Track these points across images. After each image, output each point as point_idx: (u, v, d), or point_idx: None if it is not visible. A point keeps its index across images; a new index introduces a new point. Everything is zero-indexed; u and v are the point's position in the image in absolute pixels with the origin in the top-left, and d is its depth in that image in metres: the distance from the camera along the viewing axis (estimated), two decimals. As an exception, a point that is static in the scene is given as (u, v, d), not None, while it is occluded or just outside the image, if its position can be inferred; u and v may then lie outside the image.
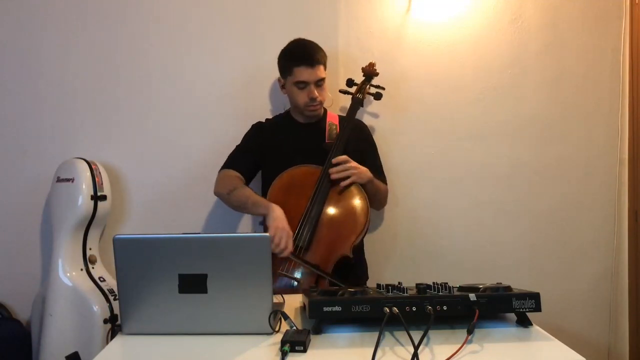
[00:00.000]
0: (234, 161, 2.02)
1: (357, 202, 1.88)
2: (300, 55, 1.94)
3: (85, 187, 2.11)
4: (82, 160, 2.16)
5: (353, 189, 1.89)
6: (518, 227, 2.33)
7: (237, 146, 2.06)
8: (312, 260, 1.80)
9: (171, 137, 2.30)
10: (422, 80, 2.28)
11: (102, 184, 2.16)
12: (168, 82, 2.29)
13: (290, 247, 1.74)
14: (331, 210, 1.86)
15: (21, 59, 2.29)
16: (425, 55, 2.29)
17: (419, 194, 2.30)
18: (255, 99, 2.28)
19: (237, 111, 2.28)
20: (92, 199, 2.12)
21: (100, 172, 2.17)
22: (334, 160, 1.87)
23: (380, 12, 2.28)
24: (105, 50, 2.28)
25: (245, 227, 2.30)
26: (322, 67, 1.95)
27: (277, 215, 1.77)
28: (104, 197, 2.15)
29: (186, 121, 2.29)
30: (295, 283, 1.77)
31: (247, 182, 2.00)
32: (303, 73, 1.92)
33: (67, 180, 2.13)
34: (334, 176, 1.86)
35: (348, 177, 1.86)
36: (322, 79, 1.95)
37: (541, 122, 2.32)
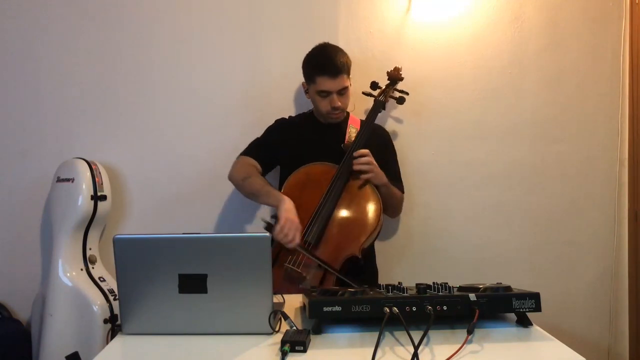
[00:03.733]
0: (253, 150, 2.03)
1: (370, 203, 1.88)
2: (323, 65, 1.91)
3: (85, 187, 2.11)
4: (82, 160, 2.16)
5: (368, 189, 1.89)
6: (518, 227, 2.33)
7: (259, 137, 2.07)
8: (320, 257, 1.80)
9: (171, 137, 2.30)
10: (422, 81, 2.28)
11: (102, 184, 2.16)
12: (168, 82, 2.29)
13: (298, 239, 1.75)
14: (343, 209, 1.87)
15: (21, 59, 2.29)
16: (425, 55, 2.29)
17: (418, 194, 2.30)
18: (256, 100, 2.28)
19: (237, 112, 2.29)
20: (92, 199, 2.12)
21: (100, 172, 2.17)
22: (356, 153, 1.87)
23: (380, 12, 2.28)
24: (105, 50, 2.28)
25: (245, 228, 2.30)
26: (344, 77, 1.93)
27: (288, 207, 1.78)
28: (104, 197, 2.15)
29: (186, 121, 2.29)
30: (301, 278, 1.77)
31: (263, 174, 2.01)
32: (325, 83, 1.91)
33: (67, 180, 2.13)
34: (356, 167, 1.86)
35: (367, 172, 1.86)
36: (345, 88, 1.94)
37: (541, 122, 2.32)
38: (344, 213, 1.87)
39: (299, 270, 1.77)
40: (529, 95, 2.31)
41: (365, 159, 1.86)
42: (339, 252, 1.81)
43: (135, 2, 2.28)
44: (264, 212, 2.27)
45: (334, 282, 1.77)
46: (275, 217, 1.83)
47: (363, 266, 1.88)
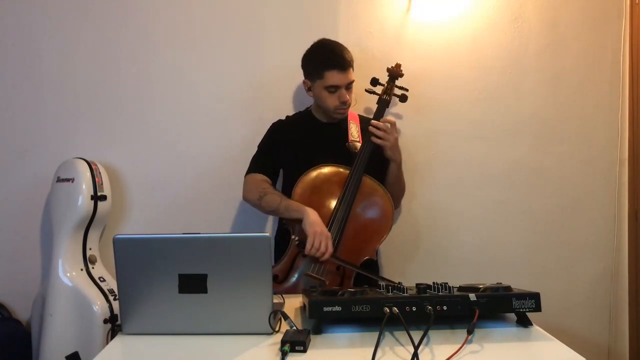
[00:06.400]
0: (257, 164, 2.00)
1: (384, 205, 1.88)
2: (331, 59, 1.89)
3: (85, 187, 2.11)
4: (82, 160, 2.16)
5: (380, 190, 1.89)
6: (518, 226, 2.33)
7: (259, 148, 2.04)
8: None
9: (171, 137, 2.30)
10: (422, 81, 2.28)
11: (102, 184, 2.16)
12: (169, 82, 2.29)
13: (331, 250, 1.73)
14: (359, 213, 1.85)
15: (21, 59, 2.28)
16: (425, 55, 2.29)
17: (418, 194, 2.30)
18: (257, 100, 2.28)
19: (237, 112, 2.29)
20: (92, 199, 2.12)
21: (100, 172, 2.17)
22: (374, 122, 1.87)
23: (380, 12, 2.28)
24: (106, 50, 2.28)
25: (245, 228, 2.30)
26: (351, 70, 1.92)
27: (314, 219, 1.76)
28: (104, 197, 2.15)
29: (186, 121, 2.29)
30: (321, 284, 1.75)
31: (275, 183, 2.00)
32: (335, 77, 1.89)
33: (67, 180, 2.13)
34: (372, 130, 1.87)
35: (382, 139, 1.86)
36: (352, 82, 1.94)
37: (541, 122, 2.32)
38: (359, 217, 1.85)
39: (322, 279, 1.75)
40: (529, 95, 2.31)
41: (383, 127, 1.87)
42: (357, 255, 1.82)
43: (136, 2, 2.28)
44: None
45: (352, 285, 1.77)
46: (298, 241, 1.80)
47: (372, 266, 1.88)
